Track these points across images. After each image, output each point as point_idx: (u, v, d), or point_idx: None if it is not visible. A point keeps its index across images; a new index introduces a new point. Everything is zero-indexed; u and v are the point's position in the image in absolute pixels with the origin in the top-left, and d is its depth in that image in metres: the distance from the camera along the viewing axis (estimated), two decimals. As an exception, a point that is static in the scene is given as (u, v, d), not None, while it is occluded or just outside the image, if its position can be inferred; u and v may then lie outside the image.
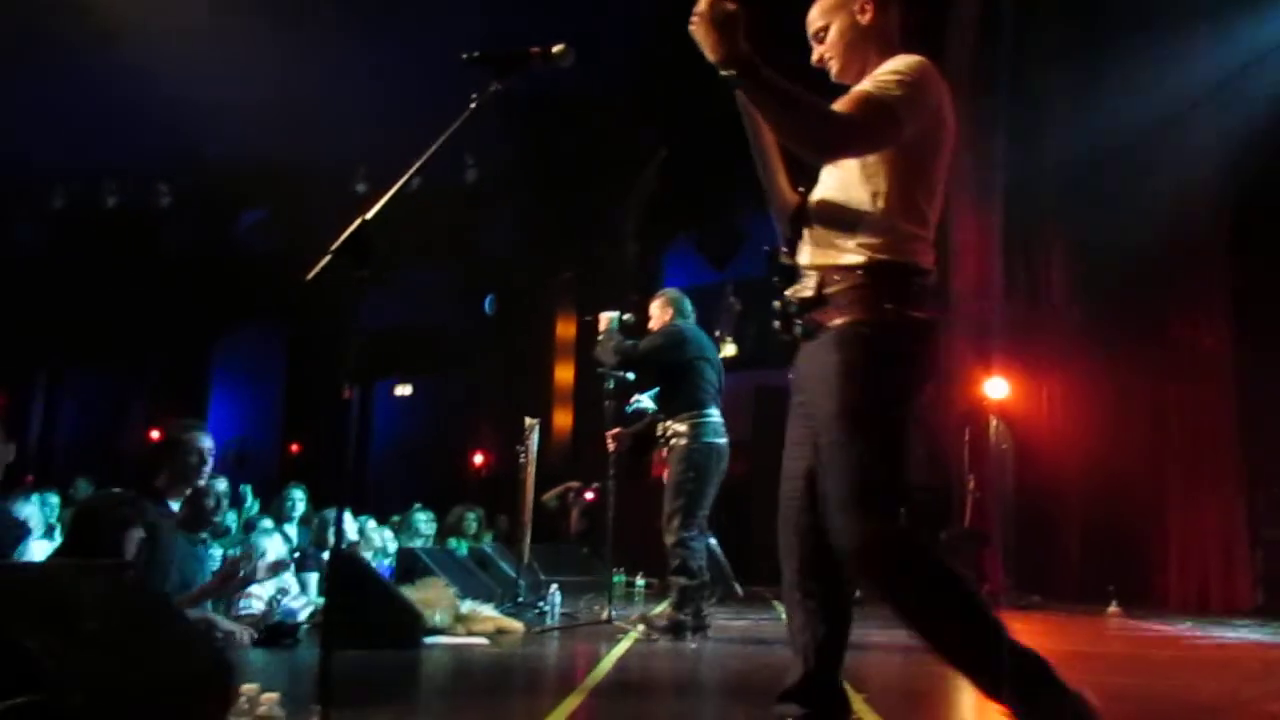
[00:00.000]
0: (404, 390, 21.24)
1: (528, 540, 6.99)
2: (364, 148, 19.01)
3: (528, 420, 7.09)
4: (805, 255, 2.51)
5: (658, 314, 5.98)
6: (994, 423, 11.89)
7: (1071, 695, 2.16)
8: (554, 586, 6.08)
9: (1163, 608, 9.29)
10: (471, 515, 8.82)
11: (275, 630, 4.45)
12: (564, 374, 18.38)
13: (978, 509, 10.31)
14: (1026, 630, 7.23)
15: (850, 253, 2.40)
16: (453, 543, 8.55)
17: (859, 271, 2.38)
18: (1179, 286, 10.87)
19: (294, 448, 19.11)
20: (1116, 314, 11.07)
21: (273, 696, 1.93)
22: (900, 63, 2.41)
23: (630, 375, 6.29)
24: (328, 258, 2.52)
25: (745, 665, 4.46)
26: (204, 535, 4.71)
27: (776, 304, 2.53)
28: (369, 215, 2.57)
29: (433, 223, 18.45)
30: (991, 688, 2.20)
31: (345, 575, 4.61)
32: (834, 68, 2.57)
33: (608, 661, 4.16)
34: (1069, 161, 11.39)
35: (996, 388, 11.81)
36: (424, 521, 7.92)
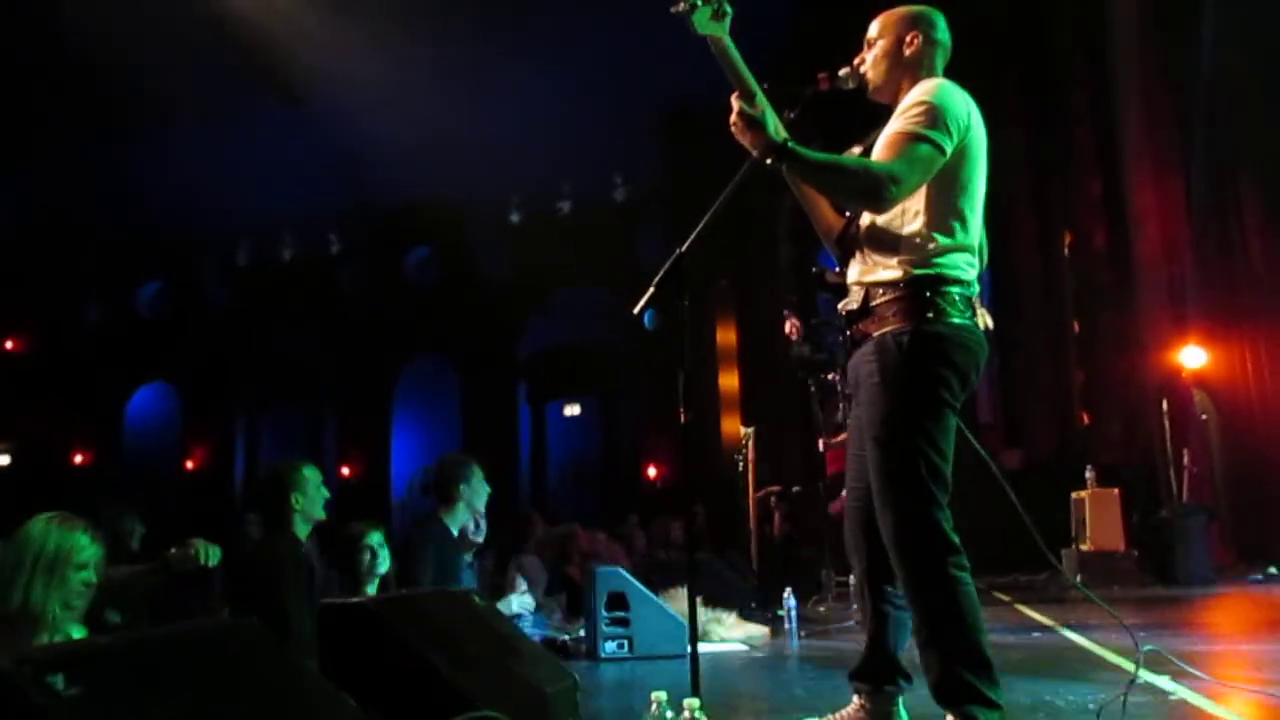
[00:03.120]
0: (573, 410, 21.74)
1: (754, 545, 7.11)
2: (515, 180, 19.71)
3: (743, 429, 7.20)
4: (853, 272, 2.72)
5: None
6: (1196, 393, 11.33)
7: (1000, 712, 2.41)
8: (788, 590, 6.15)
9: None
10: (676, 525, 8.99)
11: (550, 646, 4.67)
12: (728, 380, 18.46)
13: (1193, 482, 9.83)
14: (1277, 603, 6.88)
15: (892, 268, 2.60)
16: (662, 555, 8.72)
17: (900, 285, 2.58)
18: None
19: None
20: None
21: (694, 702, 2.05)
22: (921, 91, 2.59)
23: None
24: (651, 289, 2.65)
25: (1022, 654, 4.44)
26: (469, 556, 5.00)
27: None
28: (683, 248, 2.68)
29: (588, 244, 18.98)
30: (950, 683, 2.43)
31: (611, 590, 4.80)
32: (870, 79, 2.76)
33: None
34: (1262, 103, 10.74)
35: (1193, 356, 11.25)
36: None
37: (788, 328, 6.24)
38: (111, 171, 18.22)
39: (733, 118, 2.56)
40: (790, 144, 2.52)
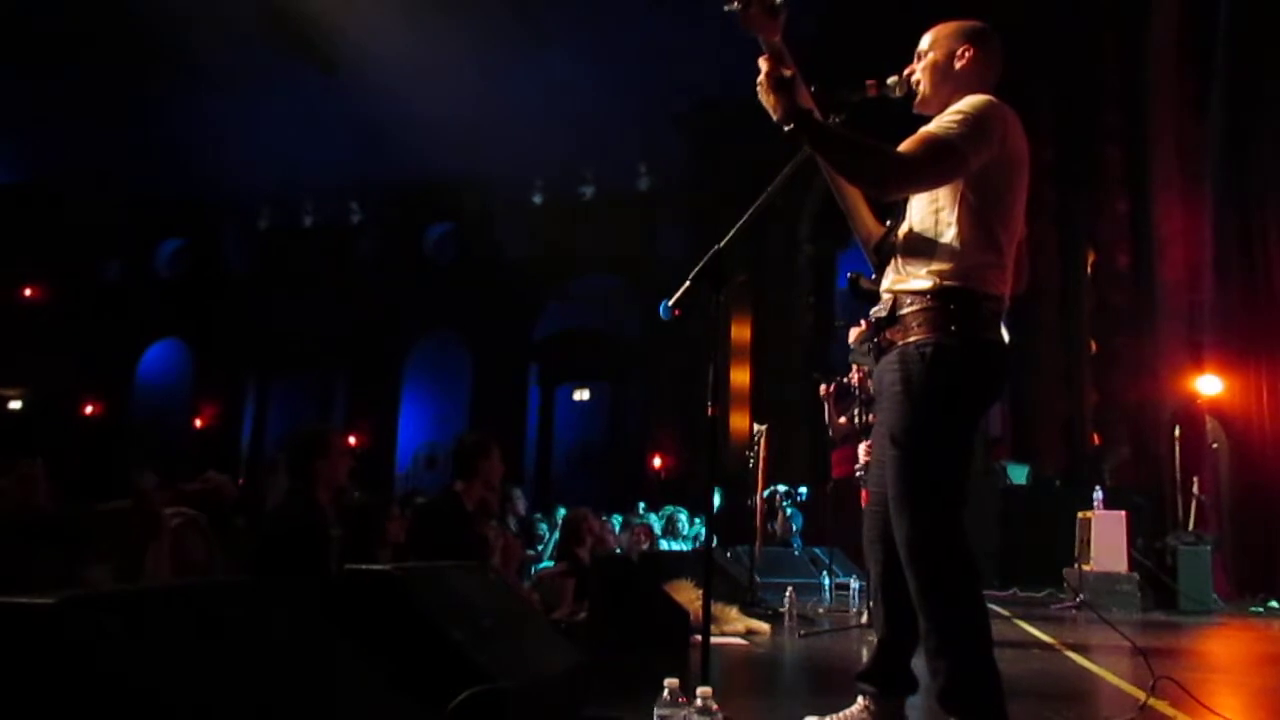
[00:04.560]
0: (582, 394, 21.80)
1: (759, 542, 7.14)
2: (540, 162, 19.73)
3: (756, 425, 7.22)
4: (887, 281, 2.72)
5: None
6: (1209, 421, 11.31)
7: None
8: (790, 589, 6.19)
9: None
10: (684, 515, 9.02)
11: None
12: (740, 376, 18.47)
13: (1201, 511, 9.82)
14: (1278, 637, 6.88)
15: (922, 278, 2.60)
16: (663, 543, 8.75)
17: (928, 295, 2.58)
18: None
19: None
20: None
21: (706, 690, 2.08)
22: (965, 102, 2.58)
23: None
24: (688, 283, 2.66)
25: (1021, 670, 4.45)
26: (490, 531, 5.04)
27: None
28: (721, 245, 2.70)
29: (609, 231, 18.99)
30: (957, 691, 2.46)
31: (613, 577, 4.83)
32: (920, 91, 2.74)
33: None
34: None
35: (1209, 384, 11.22)
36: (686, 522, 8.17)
37: (821, 391, 6.28)
38: (141, 129, 18.31)
39: (760, 77, 2.54)
40: (812, 114, 2.53)
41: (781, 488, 9.96)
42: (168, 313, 22.08)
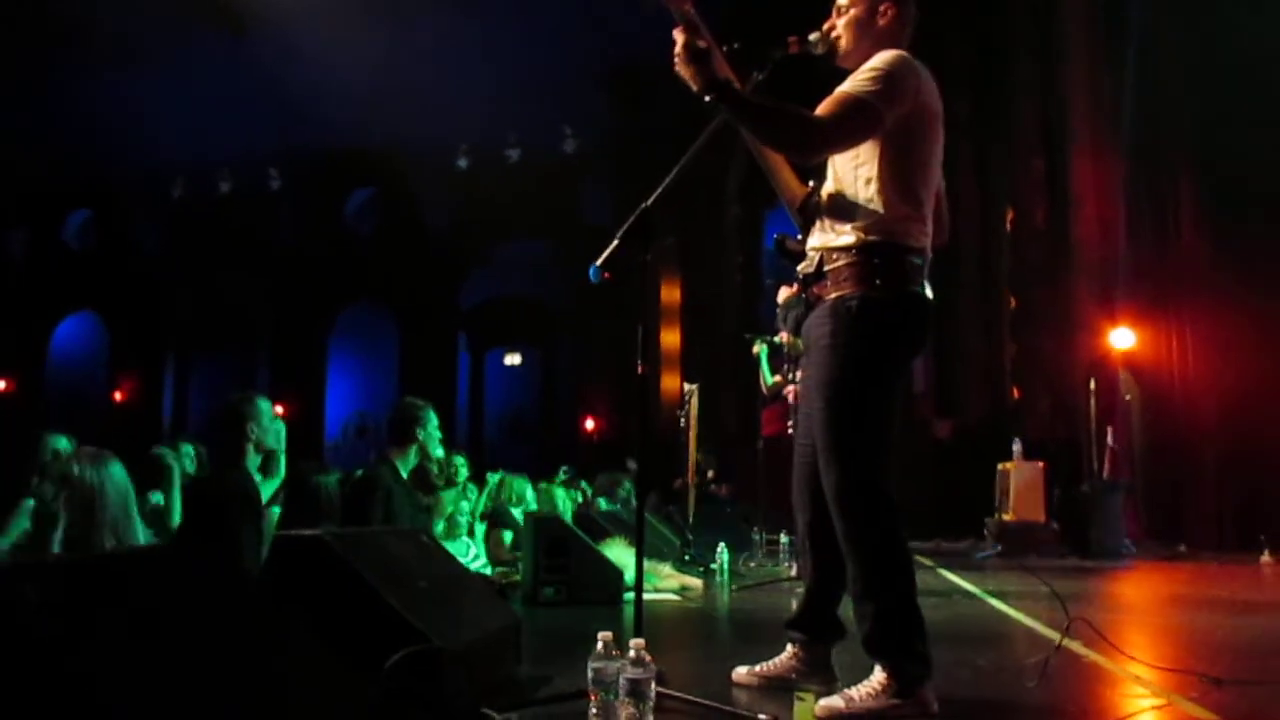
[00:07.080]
0: (513, 359, 21.70)
1: (691, 501, 7.23)
2: (464, 125, 19.36)
3: (686, 385, 7.28)
4: (814, 240, 2.79)
5: None
6: (1121, 373, 11.71)
7: (928, 673, 2.53)
8: (721, 545, 6.31)
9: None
10: (628, 482, 9.09)
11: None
12: (670, 338, 18.56)
13: (1115, 460, 10.21)
14: (1186, 579, 7.21)
15: (847, 234, 2.67)
16: (603, 504, 8.82)
17: (853, 251, 2.65)
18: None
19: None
20: (1253, 250, 10.70)
21: (639, 642, 2.11)
22: (878, 59, 2.65)
23: None
24: (615, 243, 2.67)
25: (944, 616, 4.60)
26: (428, 499, 5.04)
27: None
28: (648, 203, 2.71)
29: (536, 195, 18.78)
30: (882, 635, 2.55)
31: (551, 537, 4.86)
32: (840, 45, 2.79)
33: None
34: (1198, 93, 11.04)
35: (1122, 338, 11.59)
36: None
37: (754, 350, 6.41)
38: (40, 98, 17.50)
39: (677, 49, 2.54)
40: (731, 83, 2.55)
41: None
42: (79, 286, 21.32)
